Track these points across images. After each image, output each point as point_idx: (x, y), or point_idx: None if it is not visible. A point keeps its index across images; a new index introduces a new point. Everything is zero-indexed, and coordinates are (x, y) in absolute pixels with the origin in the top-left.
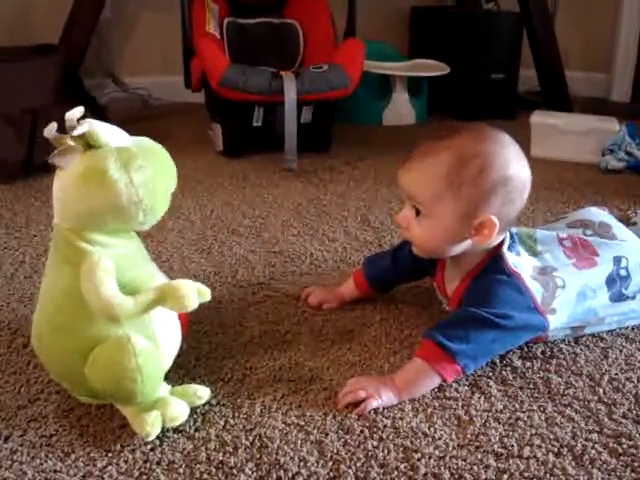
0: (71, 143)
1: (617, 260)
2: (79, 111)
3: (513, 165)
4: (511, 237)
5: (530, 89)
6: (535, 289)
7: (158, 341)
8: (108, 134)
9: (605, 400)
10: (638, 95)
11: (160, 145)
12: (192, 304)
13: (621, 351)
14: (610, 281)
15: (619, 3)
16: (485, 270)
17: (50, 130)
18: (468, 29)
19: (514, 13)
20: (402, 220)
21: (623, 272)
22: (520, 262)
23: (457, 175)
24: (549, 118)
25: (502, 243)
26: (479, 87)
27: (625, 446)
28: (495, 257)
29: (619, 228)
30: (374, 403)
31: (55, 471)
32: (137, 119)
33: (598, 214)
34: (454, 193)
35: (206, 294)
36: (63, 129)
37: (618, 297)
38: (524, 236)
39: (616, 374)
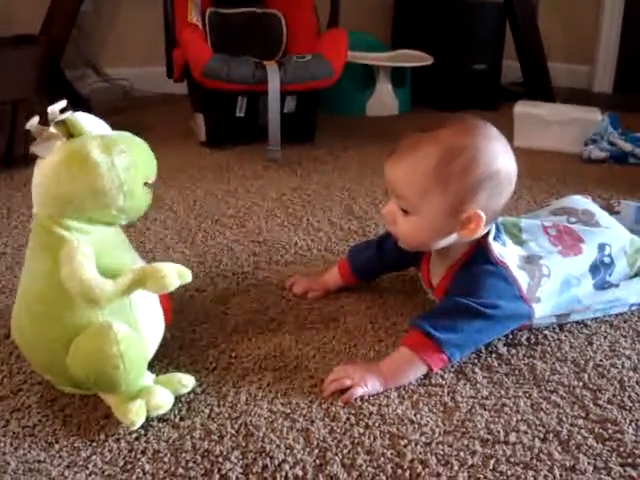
0: (53, 131)
1: (601, 247)
2: (62, 104)
3: (500, 159)
4: (496, 227)
5: (513, 80)
6: (522, 278)
7: (140, 328)
8: (90, 124)
9: (590, 386)
10: (620, 86)
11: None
12: (172, 284)
13: (605, 337)
14: (594, 268)
15: None
16: (471, 261)
17: (32, 123)
18: (451, 20)
19: (497, 4)
20: (388, 215)
21: (607, 259)
22: (506, 252)
23: (445, 169)
24: (532, 108)
25: (488, 234)
26: (462, 78)
27: (610, 431)
28: (481, 248)
29: (602, 216)
30: (360, 391)
31: (39, 461)
32: (119, 110)
33: (582, 202)
34: (442, 188)
35: (186, 275)
36: (45, 122)
37: (602, 285)
38: (509, 225)
39: (601, 360)
